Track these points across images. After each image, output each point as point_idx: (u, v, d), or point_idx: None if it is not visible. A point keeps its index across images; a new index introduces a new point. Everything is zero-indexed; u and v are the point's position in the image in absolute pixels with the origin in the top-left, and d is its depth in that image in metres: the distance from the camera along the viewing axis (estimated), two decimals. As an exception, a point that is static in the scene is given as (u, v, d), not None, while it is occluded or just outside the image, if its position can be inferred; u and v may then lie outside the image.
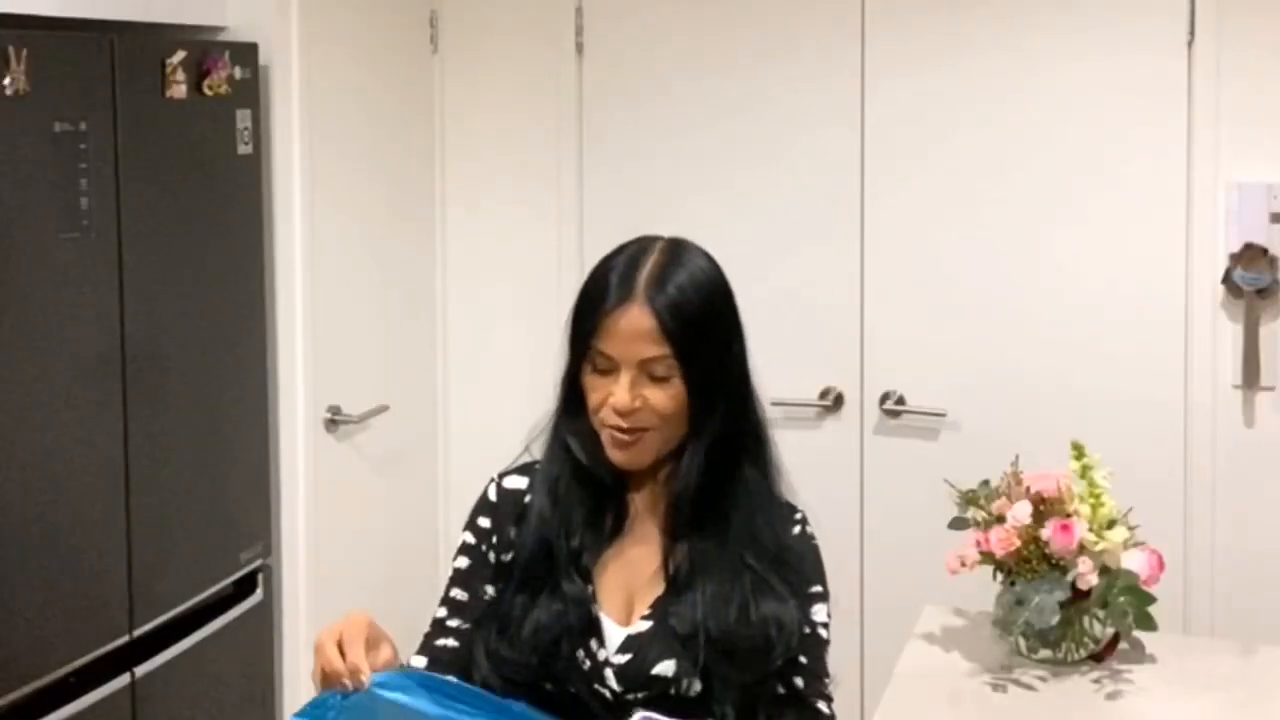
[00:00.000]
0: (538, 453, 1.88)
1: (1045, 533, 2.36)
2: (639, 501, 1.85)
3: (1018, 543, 2.37)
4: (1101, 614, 2.40)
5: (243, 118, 3.19)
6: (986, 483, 2.48)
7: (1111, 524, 2.39)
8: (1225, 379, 3.43)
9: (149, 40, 3.00)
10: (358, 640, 1.54)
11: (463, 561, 1.86)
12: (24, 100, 2.54)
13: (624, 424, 1.77)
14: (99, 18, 2.88)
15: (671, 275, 1.77)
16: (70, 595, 2.72)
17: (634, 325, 1.75)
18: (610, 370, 1.77)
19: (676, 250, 1.81)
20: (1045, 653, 2.44)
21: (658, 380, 1.76)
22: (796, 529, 1.88)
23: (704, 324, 1.78)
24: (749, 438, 1.85)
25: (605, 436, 1.79)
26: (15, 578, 2.59)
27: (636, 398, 1.75)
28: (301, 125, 3.36)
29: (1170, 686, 2.39)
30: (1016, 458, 2.49)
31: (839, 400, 3.73)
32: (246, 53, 3.21)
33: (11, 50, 2.51)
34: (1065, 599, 2.35)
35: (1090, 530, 2.37)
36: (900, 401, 3.69)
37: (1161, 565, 2.43)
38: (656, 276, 1.77)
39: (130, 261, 2.84)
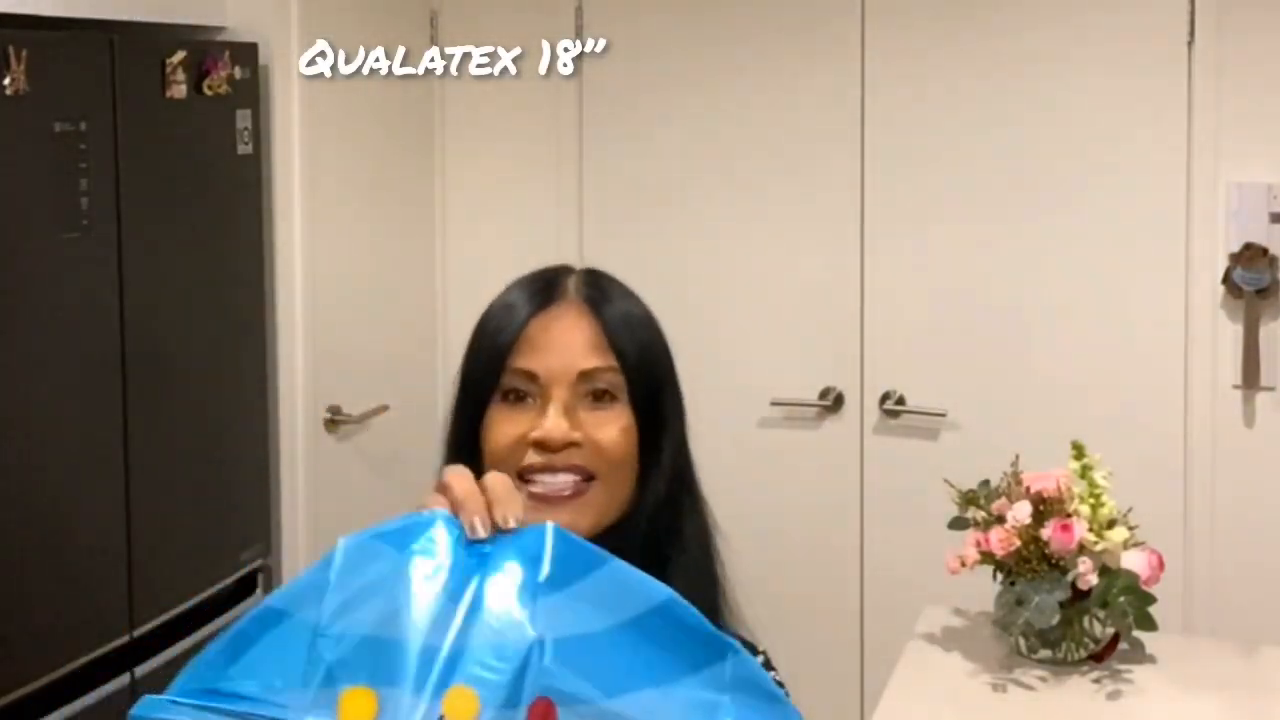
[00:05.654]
0: None
1: (1045, 533, 2.36)
2: None
3: (1018, 543, 2.37)
4: (1101, 614, 2.40)
5: (243, 118, 3.19)
6: (986, 483, 2.48)
7: (1111, 524, 2.39)
8: (1225, 379, 3.43)
9: (149, 40, 2.99)
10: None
11: None
12: (24, 100, 2.54)
13: (556, 465, 1.28)
14: (99, 18, 2.88)
15: (605, 282, 1.40)
16: (70, 595, 2.72)
17: (568, 328, 1.33)
18: (527, 396, 1.31)
19: (599, 270, 1.44)
20: (1045, 653, 2.44)
21: (599, 402, 1.30)
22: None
23: (649, 337, 1.36)
24: (690, 528, 1.34)
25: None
26: (15, 577, 2.59)
27: (575, 427, 1.28)
28: (301, 125, 3.36)
29: (1170, 686, 2.39)
30: (1016, 458, 2.49)
31: (839, 400, 3.73)
32: (246, 53, 3.20)
33: (11, 50, 2.51)
34: (1065, 599, 2.35)
35: (1090, 530, 2.37)
36: (900, 401, 3.69)
37: (1161, 565, 2.43)
38: (587, 280, 1.39)
39: (130, 261, 2.84)
